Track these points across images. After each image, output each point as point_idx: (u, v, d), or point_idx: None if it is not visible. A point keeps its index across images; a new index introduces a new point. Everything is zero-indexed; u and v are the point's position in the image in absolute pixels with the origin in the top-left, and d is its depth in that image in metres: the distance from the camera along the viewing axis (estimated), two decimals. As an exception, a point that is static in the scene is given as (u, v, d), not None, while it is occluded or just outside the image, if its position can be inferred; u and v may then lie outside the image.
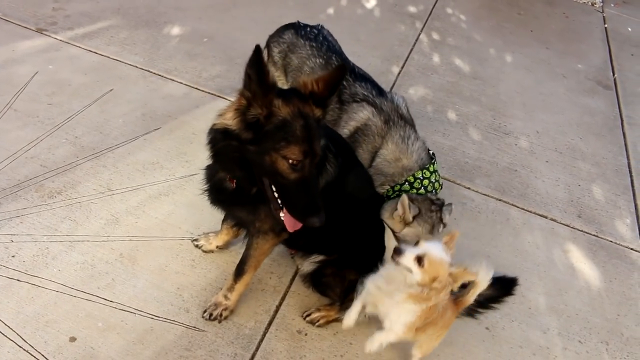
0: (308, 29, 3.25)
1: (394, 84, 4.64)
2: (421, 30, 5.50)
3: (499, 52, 5.45)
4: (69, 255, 2.80)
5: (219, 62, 4.30)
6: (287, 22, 3.31)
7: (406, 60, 5.00)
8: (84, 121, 3.55)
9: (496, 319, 2.97)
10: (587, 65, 5.62)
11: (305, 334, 2.71)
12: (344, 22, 5.36)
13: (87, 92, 3.75)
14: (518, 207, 3.76)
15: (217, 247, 2.93)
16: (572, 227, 3.72)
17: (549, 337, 3.00)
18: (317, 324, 2.74)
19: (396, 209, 2.65)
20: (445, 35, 5.46)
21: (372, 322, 2.64)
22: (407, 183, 2.77)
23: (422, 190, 2.77)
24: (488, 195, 3.80)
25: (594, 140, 4.60)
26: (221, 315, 2.64)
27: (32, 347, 2.41)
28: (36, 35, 4.13)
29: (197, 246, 2.95)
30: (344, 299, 2.65)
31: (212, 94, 4.05)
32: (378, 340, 2.33)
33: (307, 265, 2.68)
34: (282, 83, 3.26)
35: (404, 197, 2.63)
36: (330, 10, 5.47)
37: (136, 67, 4.15)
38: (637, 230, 3.82)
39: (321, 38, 3.19)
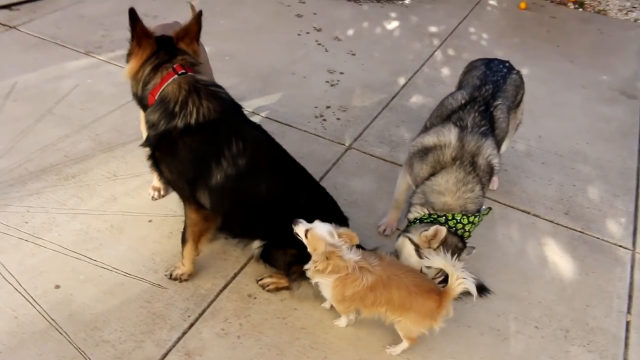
0: (497, 62, 3.60)
1: (396, 94, 4.84)
2: (438, 47, 5.68)
3: (516, 64, 5.47)
4: (70, 224, 3.32)
5: (233, 76, 4.80)
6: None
7: (415, 73, 5.19)
8: (106, 122, 4.16)
9: (447, 299, 3.07)
10: (613, 76, 5.50)
11: (255, 298, 3.00)
12: (362, 41, 5.67)
13: (114, 100, 4.37)
14: (500, 202, 3.81)
15: None
16: (555, 223, 3.71)
17: (502, 321, 3.04)
18: (267, 288, 3.02)
19: (426, 230, 2.70)
20: (462, 51, 5.60)
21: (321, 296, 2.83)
22: (444, 217, 2.82)
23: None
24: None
25: (602, 145, 4.52)
26: (180, 277, 3.01)
27: (25, 290, 2.91)
28: (83, 57, 4.89)
29: None
30: (289, 270, 2.93)
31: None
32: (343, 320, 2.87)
33: (255, 246, 2.99)
34: None
35: (444, 230, 2.68)
36: (350, 32, 5.84)
37: (161, 80, 4.75)
38: (632, 229, 3.73)
39: (502, 71, 3.48)
